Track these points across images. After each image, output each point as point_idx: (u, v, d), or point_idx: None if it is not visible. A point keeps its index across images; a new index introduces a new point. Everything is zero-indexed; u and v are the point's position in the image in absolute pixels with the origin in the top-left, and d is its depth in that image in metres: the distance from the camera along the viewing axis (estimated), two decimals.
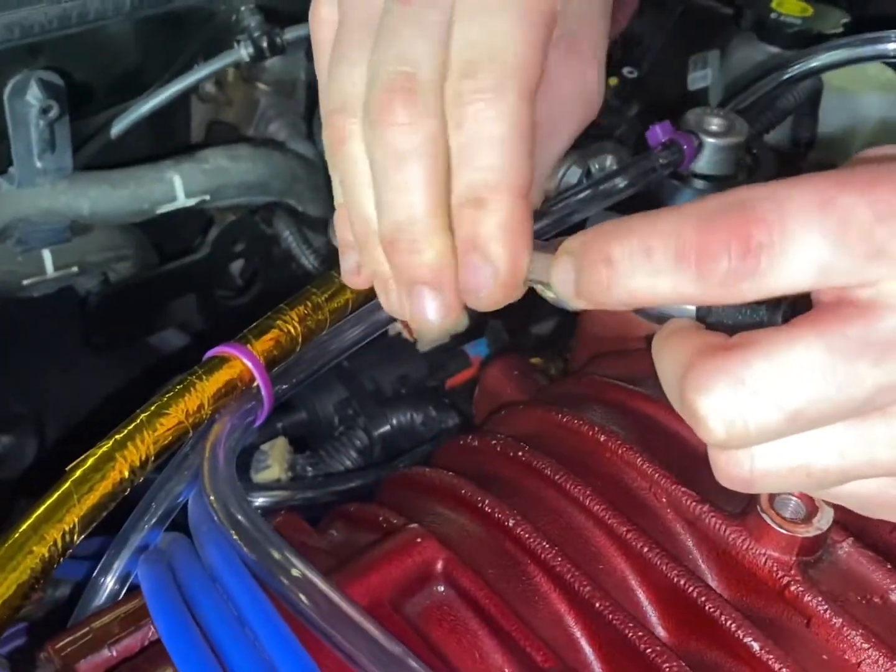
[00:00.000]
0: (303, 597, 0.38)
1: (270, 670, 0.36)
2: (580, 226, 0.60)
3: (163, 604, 0.39)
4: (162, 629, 0.38)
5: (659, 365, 0.38)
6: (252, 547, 0.40)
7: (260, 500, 0.60)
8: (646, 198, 0.63)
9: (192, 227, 0.86)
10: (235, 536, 0.41)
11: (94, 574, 0.50)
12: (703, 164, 0.62)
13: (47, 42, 0.70)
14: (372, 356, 0.75)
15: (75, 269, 0.83)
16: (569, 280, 0.36)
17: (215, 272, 0.86)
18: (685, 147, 0.60)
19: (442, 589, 0.42)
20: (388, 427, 0.70)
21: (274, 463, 0.69)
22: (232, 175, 0.82)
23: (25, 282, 0.81)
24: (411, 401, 0.72)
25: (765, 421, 0.33)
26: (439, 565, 0.42)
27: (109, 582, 0.49)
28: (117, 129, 0.80)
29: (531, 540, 0.44)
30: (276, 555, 0.39)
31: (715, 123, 0.62)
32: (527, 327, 0.87)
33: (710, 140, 0.62)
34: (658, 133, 0.61)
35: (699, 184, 0.62)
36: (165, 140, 0.84)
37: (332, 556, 0.45)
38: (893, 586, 0.43)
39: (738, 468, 0.35)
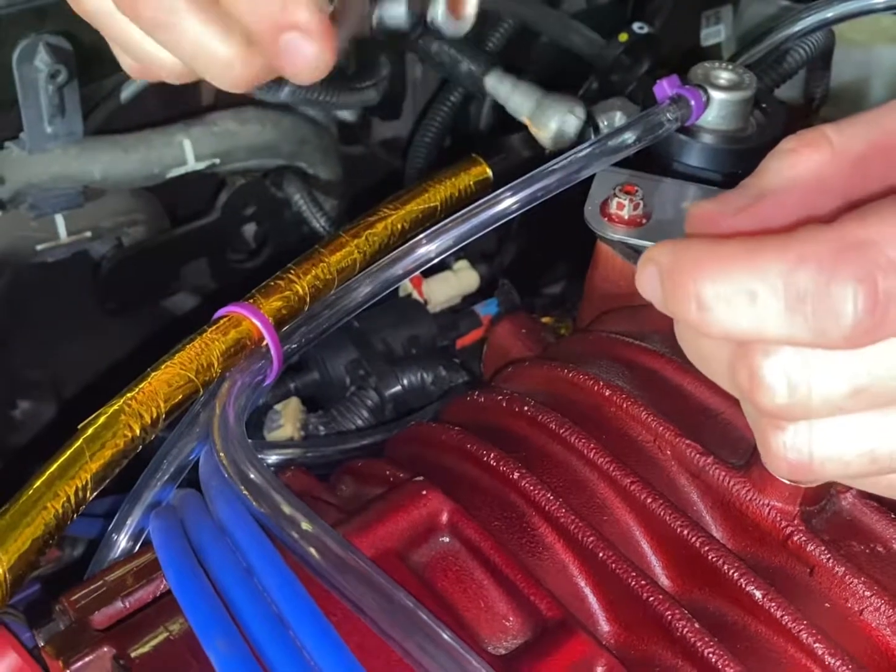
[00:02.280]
0: (312, 550, 0.38)
1: (279, 620, 0.37)
2: (587, 182, 0.60)
3: (173, 556, 0.40)
4: (172, 581, 0.39)
5: None
6: (261, 501, 0.41)
7: (272, 458, 0.61)
8: (654, 153, 0.63)
9: (204, 191, 0.87)
10: (244, 491, 0.41)
11: (108, 531, 0.51)
12: (712, 118, 0.62)
13: (54, 6, 0.70)
14: (382, 317, 0.76)
15: (88, 234, 0.83)
16: (656, 296, 0.33)
17: (227, 235, 0.86)
18: (693, 102, 0.60)
19: (447, 540, 0.43)
20: (398, 387, 0.71)
21: (286, 422, 0.70)
22: (241, 138, 0.83)
23: (39, 247, 0.82)
24: (421, 361, 0.72)
25: (830, 390, 0.31)
26: (444, 517, 0.43)
27: (123, 538, 0.50)
28: (127, 93, 0.81)
29: (536, 492, 0.44)
30: (286, 508, 0.40)
31: (723, 77, 0.62)
32: (538, 288, 0.88)
33: (719, 94, 0.61)
34: (665, 87, 0.60)
35: (707, 138, 0.62)
36: (175, 104, 0.84)
37: (340, 510, 0.45)
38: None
39: (797, 454, 0.33)
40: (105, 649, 0.38)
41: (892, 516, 0.44)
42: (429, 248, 0.59)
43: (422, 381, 0.71)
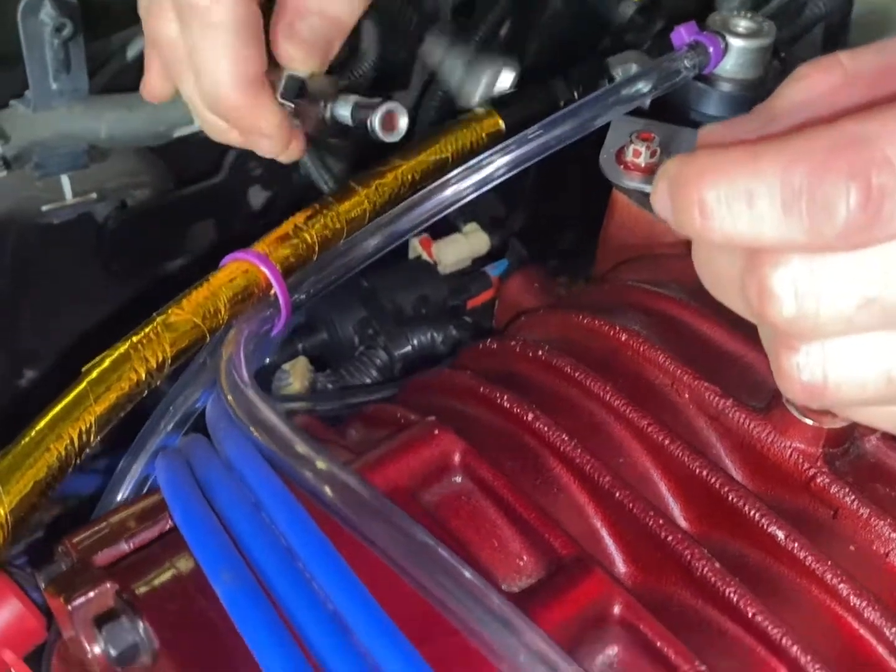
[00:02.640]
0: (327, 488, 0.37)
1: (287, 552, 0.35)
2: (603, 130, 0.59)
3: (178, 491, 0.39)
4: (177, 514, 0.38)
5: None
6: (273, 440, 0.40)
7: None
8: (671, 102, 0.62)
9: (210, 153, 0.85)
10: (254, 431, 0.40)
11: (112, 478, 0.50)
12: (731, 66, 0.60)
13: None
14: (392, 278, 0.75)
15: (94, 195, 0.82)
16: (667, 209, 0.33)
17: (233, 197, 0.85)
18: (711, 48, 0.58)
19: (459, 480, 0.42)
20: (408, 347, 0.70)
21: (295, 381, 0.69)
22: None
23: (45, 208, 0.81)
24: (431, 321, 0.71)
25: (838, 301, 0.30)
26: (457, 456, 0.42)
27: (127, 485, 0.49)
28: (133, 51, 0.79)
29: (550, 433, 0.43)
30: (299, 448, 0.38)
31: (742, 25, 0.61)
32: (550, 251, 0.86)
33: (737, 42, 0.60)
34: (683, 34, 0.59)
35: (726, 86, 0.60)
36: None
37: (350, 451, 0.44)
38: None
39: (810, 375, 0.32)
40: (108, 585, 0.37)
41: None
42: (441, 197, 0.57)
43: (432, 340, 0.70)
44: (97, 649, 0.36)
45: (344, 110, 0.55)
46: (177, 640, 0.35)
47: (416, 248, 0.79)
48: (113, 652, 0.35)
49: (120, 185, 0.84)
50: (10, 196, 0.79)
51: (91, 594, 0.37)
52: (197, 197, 0.83)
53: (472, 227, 0.81)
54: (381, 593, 0.34)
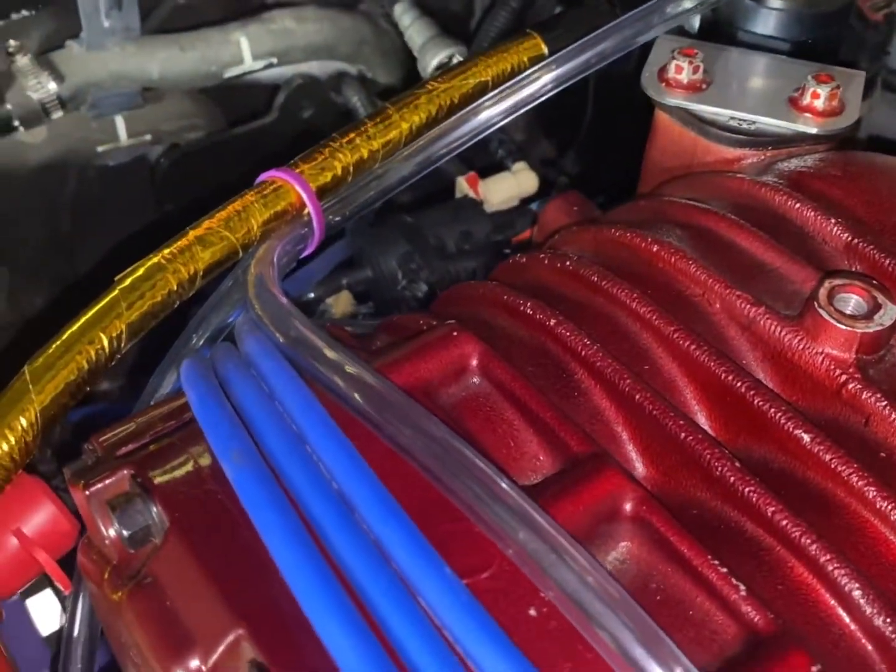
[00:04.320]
0: (344, 383, 0.37)
1: (297, 437, 0.35)
2: (647, 47, 0.58)
3: (195, 383, 0.39)
4: (193, 402, 0.38)
5: None
6: (289, 338, 0.40)
7: None
8: (719, 21, 0.60)
9: (261, 94, 0.86)
10: (272, 328, 0.40)
11: (145, 389, 0.51)
12: None
13: None
14: (436, 214, 0.74)
15: (148, 137, 0.84)
16: None
17: (283, 138, 0.85)
18: None
19: (478, 381, 0.41)
20: (449, 280, 0.69)
21: (336, 312, 0.69)
22: (298, 37, 0.82)
23: (100, 149, 0.82)
24: (474, 255, 0.71)
25: None
26: (475, 359, 0.41)
27: (160, 396, 0.50)
28: None
29: (572, 337, 0.42)
30: (324, 350, 0.38)
31: None
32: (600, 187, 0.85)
33: None
34: None
35: (777, 3, 0.58)
36: (234, 2, 0.83)
37: (373, 355, 0.44)
38: None
39: None
40: (124, 472, 0.38)
41: None
42: (478, 120, 0.57)
43: (473, 274, 0.69)
44: (112, 531, 0.36)
45: None
46: (188, 520, 0.35)
47: (462, 187, 0.78)
48: (125, 532, 0.36)
49: (174, 127, 0.85)
50: (66, 137, 0.80)
51: (107, 480, 0.38)
52: (248, 136, 0.84)
53: (520, 167, 0.80)
54: (390, 478, 0.34)
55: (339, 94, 0.86)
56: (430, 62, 0.81)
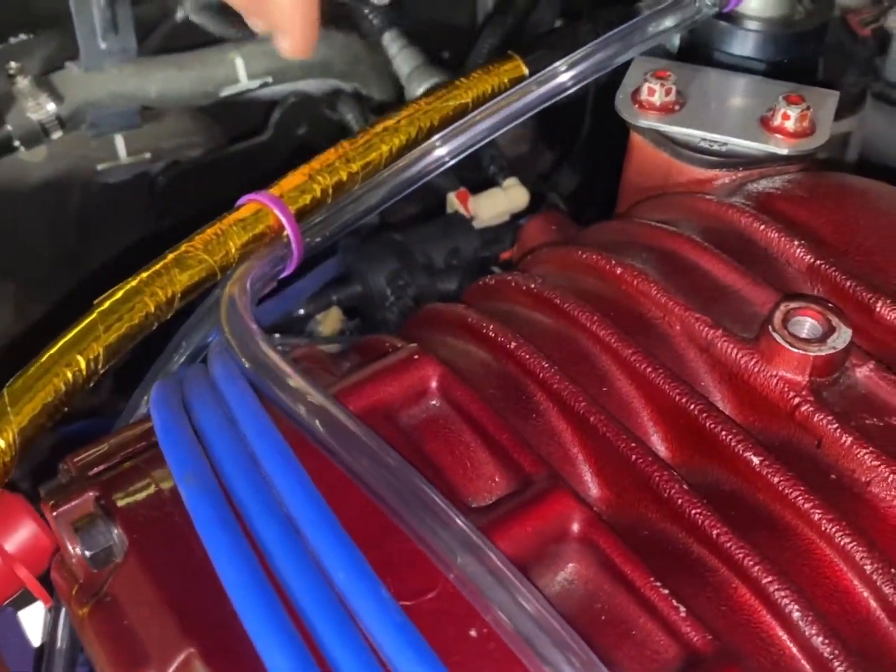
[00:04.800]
0: (302, 408, 0.38)
1: (251, 461, 0.37)
2: (623, 69, 0.58)
3: (161, 407, 0.40)
4: (157, 427, 0.39)
5: None
6: (253, 363, 0.41)
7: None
8: (696, 43, 0.61)
9: (256, 113, 0.87)
10: (237, 350, 0.42)
11: (126, 407, 0.52)
12: (756, 4, 0.59)
13: None
14: (426, 231, 0.75)
15: (148, 154, 0.85)
16: None
17: (280, 155, 0.87)
18: None
19: (437, 403, 0.42)
20: (436, 296, 0.70)
21: (324, 329, 0.70)
22: None
23: (100, 167, 0.84)
24: (461, 271, 0.72)
25: None
26: (435, 381, 0.42)
27: (139, 414, 0.51)
28: (182, 13, 0.82)
29: (531, 360, 0.43)
30: (273, 367, 0.40)
31: None
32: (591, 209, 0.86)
33: None
34: None
35: (752, 24, 0.59)
36: (229, 23, 0.85)
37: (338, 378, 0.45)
38: None
39: None
40: (90, 494, 0.39)
41: None
42: (456, 143, 0.58)
43: (459, 290, 0.70)
44: (77, 551, 0.38)
45: None
46: (146, 542, 0.37)
47: (452, 202, 0.79)
48: (87, 553, 0.37)
49: (173, 144, 0.86)
50: (67, 156, 0.82)
51: (73, 502, 0.39)
52: (245, 153, 0.85)
53: (511, 182, 0.81)
54: (343, 503, 0.35)
55: (335, 110, 0.87)
56: (417, 90, 0.82)
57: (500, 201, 0.79)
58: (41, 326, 0.88)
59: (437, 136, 0.58)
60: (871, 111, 0.87)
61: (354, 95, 0.87)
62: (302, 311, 0.72)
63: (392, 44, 0.83)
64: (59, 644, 0.50)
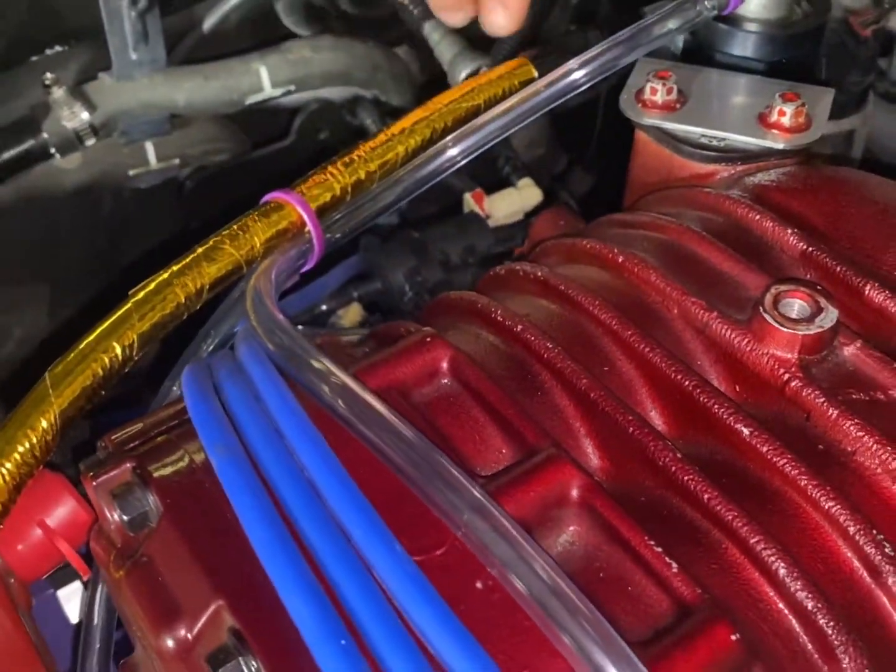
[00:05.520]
0: (325, 387, 0.41)
1: (276, 434, 0.40)
2: (626, 70, 0.61)
3: (192, 386, 0.43)
4: (188, 403, 0.42)
5: None
6: (278, 347, 0.44)
7: None
8: (698, 44, 0.63)
9: (279, 119, 0.91)
10: (263, 335, 0.45)
11: (158, 393, 0.55)
12: (754, 6, 0.61)
13: None
14: (443, 229, 0.78)
15: (176, 160, 0.89)
16: None
17: (302, 159, 0.90)
18: None
19: (448, 382, 0.45)
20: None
21: (346, 323, 0.74)
22: (315, 65, 0.86)
23: (131, 172, 0.88)
24: (476, 267, 0.75)
25: None
26: (446, 362, 0.45)
27: (173, 395, 0.55)
28: (209, 23, 0.86)
29: (536, 342, 0.46)
30: (309, 359, 0.42)
31: None
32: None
33: None
34: None
35: (752, 27, 0.62)
36: (254, 34, 0.88)
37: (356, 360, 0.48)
38: None
39: None
40: (127, 465, 0.42)
41: (895, 366, 0.44)
42: (466, 144, 0.60)
43: (474, 285, 0.73)
44: (115, 517, 0.41)
45: None
46: (178, 507, 0.40)
47: (469, 202, 0.82)
48: (125, 518, 0.40)
49: (200, 150, 0.90)
50: (100, 162, 0.86)
51: (111, 472, 0.42)
52: (268, 158, 0.89)
53: (525, 182, 0.84)
54: (363, 470, 0.38)
55: (355, 116, 0.91)
56: (460, 74, 0.84)
57: (514, 200, 0.83)
58: (74, 326, 0.92)
59: (449, 137, 0.61)
60: (879, 110, 0.90)
61: (374, 102, 0.90)
62: (324, 307, 0.76)
63: (433, 32, 0.85)
64: (95, 620, 0.54)
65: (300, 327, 0.67)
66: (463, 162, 0.61)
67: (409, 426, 0.38)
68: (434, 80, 0.96)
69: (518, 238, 0.78)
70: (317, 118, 0.89)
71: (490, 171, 0.87)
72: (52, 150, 0.83)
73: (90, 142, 0.84)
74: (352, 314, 0.75)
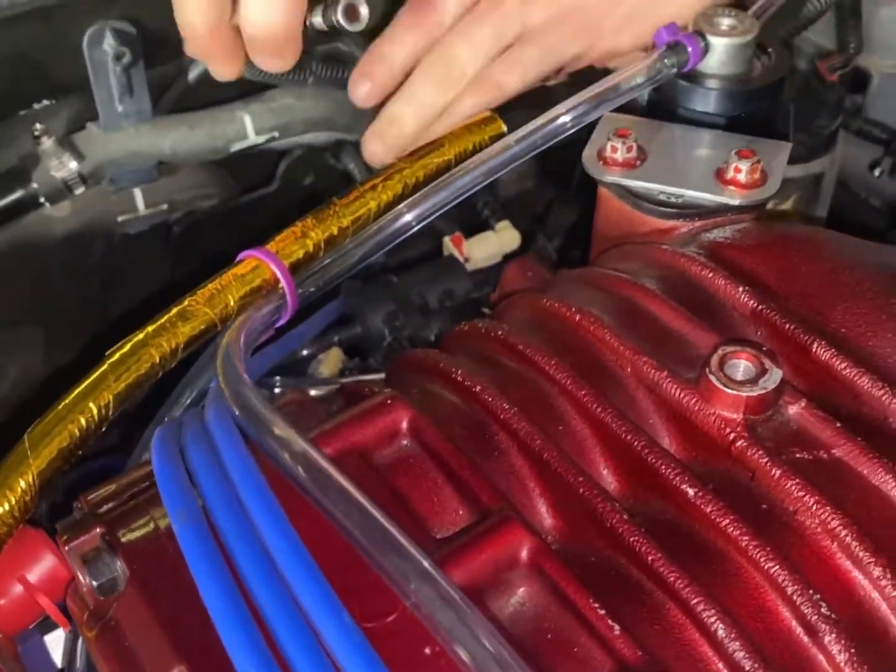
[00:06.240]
0: (285, 453, 0.43)
1: (236, 501, 0.41)
2: (591, 127, 0.63)
3: (160, 451, 0.45)
4: (155, 468, 0.44)
5: None
6: (243, 410, 0.45)
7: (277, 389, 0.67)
8: (661, 99, 0.65)
9: (265, 165, 0.93)
10: (229, 398, 0.46)
11: (136, 448, 0.57)
12: (713, 63, 0.63)
13: None
14: (422, 273, 0.80)
15: (165, 206, 0.91)
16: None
17: (286, 204, 0.92)
18: (690, 48, 0.62)
19: (408, 443, 0.47)
20: (431, 337, 0.75)
21: (324, 369, 0.75)
22: (298, 112, 0.88)
23: (120, 219, 0.90)
24: (454, 312, 0.76)
25: None
26: (405, 423, 0.47)
27: (146, 455, 0.57)
28: (194, 74, 0.88)
29: (493, 402, 0.47)
30: (260, 415, 0.44)
31: (724, 23, 0.63)
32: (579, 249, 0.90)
33: (719, 39, 0.62)
34: (663, 34, 0.62)
35: (712, 83, 0.63)
36: (237, 84, 0.90)
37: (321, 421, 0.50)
38: (840, 442, 0.45)
39: None
40: (97, 530, 0.44)
41: (838, 425, 0.45)
42: (438, 198, 0.62)
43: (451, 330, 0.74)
44: (86, 581, 0.43)
45: (317, 17, 0.62)
46: (144, 573, 0.42)
47: (447, 247, 0.84)
48: (94, 583, 0.42)
49: (189, 196, 0.92)
50: (89, 210, 0.88)
51: (82, 538, 0.44)
52: (254, 204, 0.91)
53: (503, 225, 0.86)
54: (316, 537, 0.40)
55: (339, 160, 0.92)
56: None
57: (492, 244, 0.84)
58: (68, 369, 0.94)
59: (421, 192, 0.62)
60: (853, 147, 0.92)
61: (357, 146, 0.92)
62: (306, 352, 0.77)
63: None
64: (77, 665, 0.55)
65: (277, 378, 0.69)
66: (431, 219, 0.63)
67: (363, 494, 0.39)
68: None
69: (494, 283, 0.79)
70: (301, 163, 0.91)
71: (470, 214, 0.88)
72: (42, 200, 0.85)
73: (79, 190, 0.86)
74: (332, 358, 0.77)
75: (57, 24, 0.79)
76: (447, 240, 0.84)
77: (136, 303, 0.95)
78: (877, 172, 0.86)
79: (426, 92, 0.67)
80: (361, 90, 0.70)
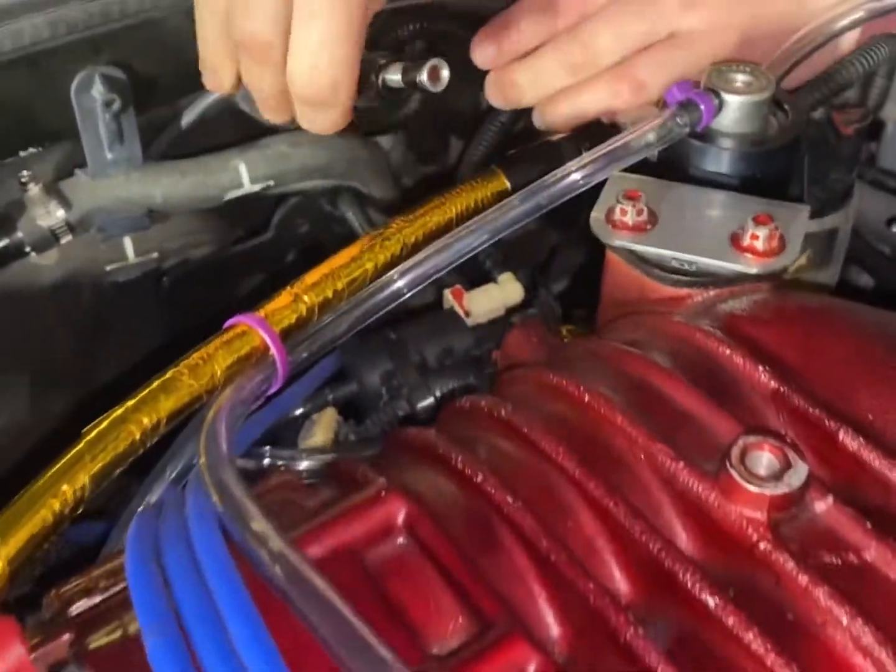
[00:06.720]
0: (264, 553, 0.39)
1: (213, 611, 0.38)
2: (598, 187, 0.60)
3: (135, 551, 0.42)
4: (129, 574, 0.41)
5: None
6: (223, 500, 0.42)
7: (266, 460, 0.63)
8: (672, 159, 0.62)
9: (259, 212, 0.90)
10: (209, 484, 0.43)
11: (118, 523, 0.54)
12: (727, 121, 0.60)
13: (107, 38, 0.75)
14: (420, 329, 0.77)
15: (155, 254, 0.88)
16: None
17: (282, 252, 0.89)
18: (703, 106, 0.59)
19: (403, 541, 0.43)
20: (430, 398, 0.72)
21: (319, 431, 0.72)
22: (293, 160, 0.85)
23: (108, 267, 0.87)
24: (453, 372, 0.73)
25: None
26: (401, 518, 0.43)
27: (125, 536, 0.53)
28: (187, 119, 0.85)
29: (497, 495, 0.44)
30: (240, 508, 0.41)
31: (739, 80, 0.60)
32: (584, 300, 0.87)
33: (733, 97, 0.60)
34: (675, 93, 0.59)
35: (725, 142, 0.60)
36: (232, 130, 0.87)
37: (309, 513, 0.46)
38: (870, 545, 0.41)
39: None
40: (64, 638, 0.40)
41: (868, 526, 0.42)
42: (440, 258, 0.59)
43: (452, 392, 0.71)
44: None
45: (395, 75, 0.58)
46: None
47: (448, 299, 0.81)
48: None
49: (180, 244, 0.89)
50: (77, 258, 0.85)
51: (49, 646, 0.40)
52: (248, 253, 0.88)
53: (506, 277, 0.83)
54: (294, 645, 0.36)
55: (336, 207, 0.89)
56: None
57: (495, 297, 0.81)
58: (57, 417, 0.91)
59: (418, 255, 0.59)
60: (867, 197, 0.89)
61: (354, 193, 0.89)
62: (299, 411, 0.74)
63: None
64: None
65: (267, 448, 0.66)
66: (434, 278, 0.60)
67: (346, 605, 0.36)
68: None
69: (496, 340, 0.76)
70: (297, 211, 0.88)
71: (472, 264, 0.85)
72: (28, 249, 0.82)
73: (66, 239, 0.83)
74: (327, 420, 0.74)
75: (44, 70, 0.76)
76: (447, 293, 0.80)
77: (127, 352, 0.92)
78: (895, 228, 0.83)
79: (552, 70, 0.63)
80: (485, 53, 0.65)
